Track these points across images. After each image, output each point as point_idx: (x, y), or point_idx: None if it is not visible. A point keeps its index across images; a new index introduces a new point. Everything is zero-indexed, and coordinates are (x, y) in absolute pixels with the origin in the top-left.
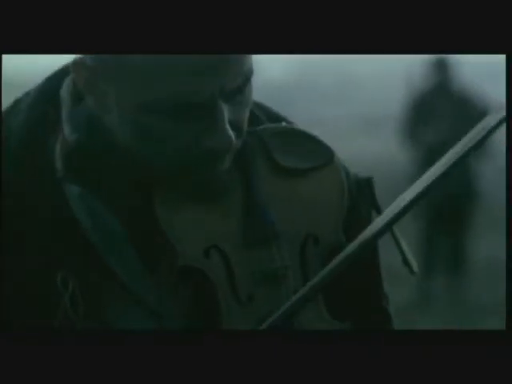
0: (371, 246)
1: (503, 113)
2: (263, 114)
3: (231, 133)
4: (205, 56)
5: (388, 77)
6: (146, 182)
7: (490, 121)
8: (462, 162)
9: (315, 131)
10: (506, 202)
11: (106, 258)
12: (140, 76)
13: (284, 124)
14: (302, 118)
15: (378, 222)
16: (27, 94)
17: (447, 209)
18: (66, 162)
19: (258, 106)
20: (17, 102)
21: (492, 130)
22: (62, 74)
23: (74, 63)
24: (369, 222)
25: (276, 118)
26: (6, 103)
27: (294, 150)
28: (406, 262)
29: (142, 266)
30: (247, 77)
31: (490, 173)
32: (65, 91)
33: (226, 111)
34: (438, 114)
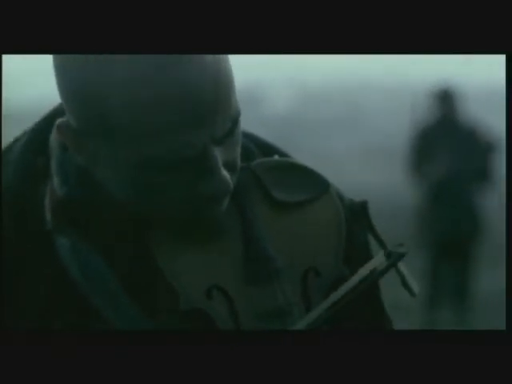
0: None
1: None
2: (254, 146)
3: (228, 177)
4: (192, 110)
5: (393, 108)
6: (140, 230)
7: (379, 262)
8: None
9: (318, 162)
10: (506, 203)
11: (100, 309)
12: (128, 136)
13: (276, 157)
14: (305, 149)
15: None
16: (16, 140)
17: (454, 242)
18: (55, 214)
19: (249, 137)
20: (6, 151)
21: (380, 275)
22: (51, 119)
23: (58, 127)
24: (366, 247)
25: (267, 148)
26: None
27: (289, 183)
28: (405, 284)
29: (141, 314)
30: (236, 119)
31: (496, 207)
32: (53, 139)
33: (219, 156)
34: (443, 146)
